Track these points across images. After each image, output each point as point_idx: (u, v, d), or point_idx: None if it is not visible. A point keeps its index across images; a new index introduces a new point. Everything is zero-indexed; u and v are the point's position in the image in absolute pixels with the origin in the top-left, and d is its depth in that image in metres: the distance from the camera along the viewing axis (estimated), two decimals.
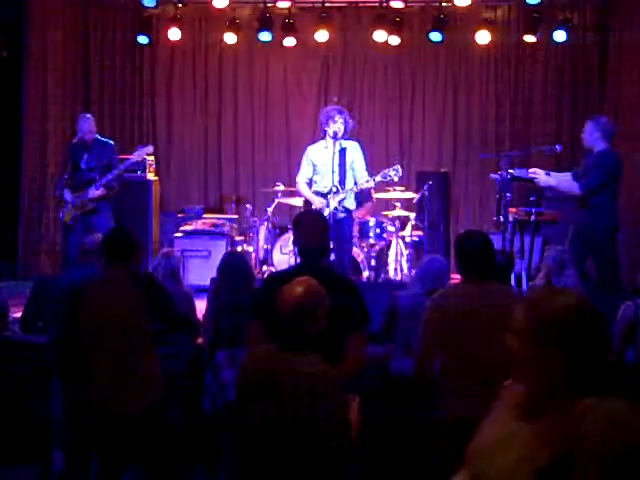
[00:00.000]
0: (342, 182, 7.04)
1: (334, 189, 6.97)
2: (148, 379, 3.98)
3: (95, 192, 7.54)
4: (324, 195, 7.03)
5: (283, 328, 3.24)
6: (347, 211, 7.11)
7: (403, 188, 8.78)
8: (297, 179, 7.35)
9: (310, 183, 7.23)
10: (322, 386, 3.12)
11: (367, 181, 7.13)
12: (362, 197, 8.23)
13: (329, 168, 6.95)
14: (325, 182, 7.04)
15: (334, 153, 6.94)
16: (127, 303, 3.99)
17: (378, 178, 7.16)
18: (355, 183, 7.12)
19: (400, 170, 7.22)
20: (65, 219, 7.71)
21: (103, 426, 3.96)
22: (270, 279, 4.40)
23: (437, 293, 4.07)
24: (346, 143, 7.13)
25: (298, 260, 4.04)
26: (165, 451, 4.04)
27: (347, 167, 7.08)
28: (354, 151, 7.16)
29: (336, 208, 6.97)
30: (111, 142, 7.90)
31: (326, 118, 7.07)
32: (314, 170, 7.18)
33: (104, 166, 7.62)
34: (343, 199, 7.02)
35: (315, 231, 3.95)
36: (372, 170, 7.37)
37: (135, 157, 8.06)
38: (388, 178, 7.22)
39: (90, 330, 3.98)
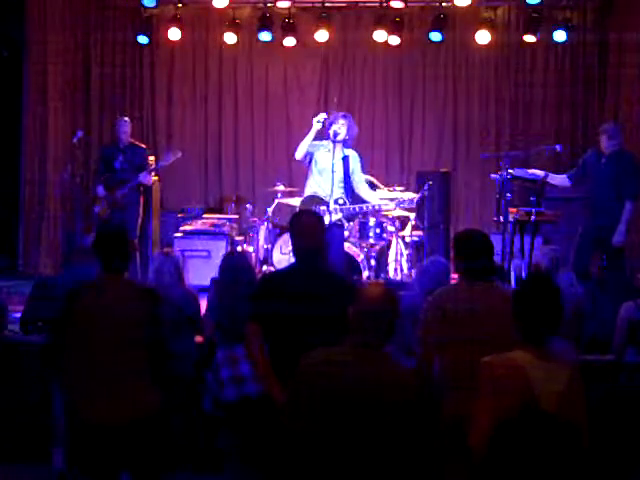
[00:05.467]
0: (347, 193, 7.11)
1: (340, 201, 7.03)
2: (140, 391, 3.89)
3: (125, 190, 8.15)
4: (327, 203, 7.03)
5: (358, 328, 3.21)
6: (347, 220, 7.22)
7: (403, 188, 8.79)
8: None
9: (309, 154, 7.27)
10: (406, 393, 3.11)
11: (381, 205, 7.42)
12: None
13: (329, 171, 6.99)
14: (326, 186, 7.05)
15: (334, 156, 6.97)
16: (126, 314, 3.86)
17: (392, 206, 7.48)
18: (372, 205, 7.32)
19: (414, 199, 7.51)
20: (100, 213, 8.24)
21: (87, 433, 3.87)
22: (266, 280, 4.38)
23: (436, 293, 4.06)
24: (348, 151, 7.19)
25: (294, 260, 4.01)
26: (160, 458, 3.96)
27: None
28: (355, 161, 7.25)
29: (340, 219, 7.04)
30: (143, 146, 8.55)
31: (330, 120, 7.15)
32: (316, 167, 7.20)
33: (136, 168, 8.24)
34: (348, 210, 7.10)
35: (312, 231, 3.94)
36: (373, 171, 7.42)
37: (165, 161, 8.50)
38: (401, 206, 7.54)
39: (83, 336, 3.86)
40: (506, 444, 2.89)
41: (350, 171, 7.18)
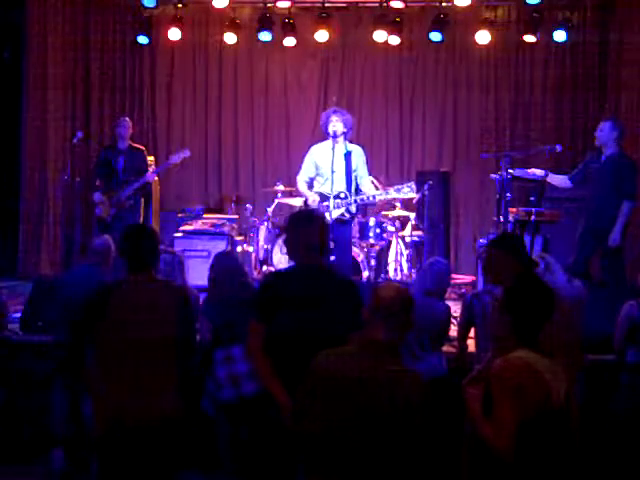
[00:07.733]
0: (349, 187, 7.04)
1: (342, 195, 6.97)
2: (169, 392, 3.82)
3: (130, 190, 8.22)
4: (327, 198, 7.01)
5: (373, 327, 3.21)
6: (350, 213, 7.10)
7: None
8: (297, 177, 7.34)
9: (310, 183, 7.22)
10: (415, 393, 3.13)
11: (380, 194, 7.16)
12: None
13: (330, 169, 6.95)
14: (329, 184, 7.01)
15: (334, 154, 6.93)
16: (158, 312, 3.81)
17: (392, 193, 7.16)
18: (372, 196, 7.10)
19: (414, 188, 7.21)
20: (103, 214, 8.28)
21: (110, 433, 3.83)
22: (268, 279, 4.37)
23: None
24: (351, 147, 7.13)
25: (291, 261, 3.99)
26: (178, 460, 3.95)
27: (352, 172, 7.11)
28: (358, 156, 7.15)
29: (343, 214, 6.97)
30: (142, 148, 8.56)
31: (324, 120, 7.12)
32: (317, 170, 7.17)
33: (136, 170, 8.31)
34: (349, 204, 7.02)
35: (313, 230, 3.91)
36: (373, 172, 7.36)
37: (173, 160, 8.48)
38: (401, 194, 7.24)
39: (115, 336, 3.77)
40: (535, 442, 3.03)
41: (353, 167, 7.10)
